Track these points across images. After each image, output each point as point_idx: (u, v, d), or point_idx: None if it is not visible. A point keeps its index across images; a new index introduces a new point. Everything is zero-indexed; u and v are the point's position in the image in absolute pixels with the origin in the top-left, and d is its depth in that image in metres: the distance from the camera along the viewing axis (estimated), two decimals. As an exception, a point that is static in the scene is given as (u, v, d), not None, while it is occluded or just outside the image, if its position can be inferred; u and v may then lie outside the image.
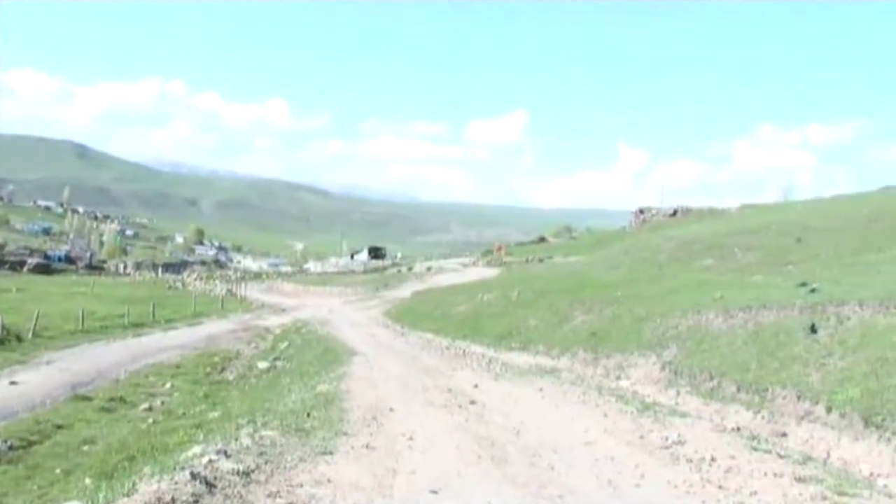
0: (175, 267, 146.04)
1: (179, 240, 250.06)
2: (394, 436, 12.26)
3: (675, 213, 79.60)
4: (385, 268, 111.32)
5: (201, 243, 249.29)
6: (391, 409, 14.70)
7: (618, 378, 19.06)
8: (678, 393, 16.44)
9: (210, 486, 8.38)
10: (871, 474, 10.75)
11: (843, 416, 12.18)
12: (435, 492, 9.19)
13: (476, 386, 18.04)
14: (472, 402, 15.67)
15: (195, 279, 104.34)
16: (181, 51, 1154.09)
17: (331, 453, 10.67)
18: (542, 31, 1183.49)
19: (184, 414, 20.85)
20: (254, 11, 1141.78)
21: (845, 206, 45.10)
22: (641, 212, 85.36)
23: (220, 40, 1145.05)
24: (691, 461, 10.82)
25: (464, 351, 26.57)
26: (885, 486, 10.29)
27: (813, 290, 19.42)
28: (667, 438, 12.21)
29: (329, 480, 9.28)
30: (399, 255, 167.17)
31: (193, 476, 8.42)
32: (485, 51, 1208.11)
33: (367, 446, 11.31)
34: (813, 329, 15.38)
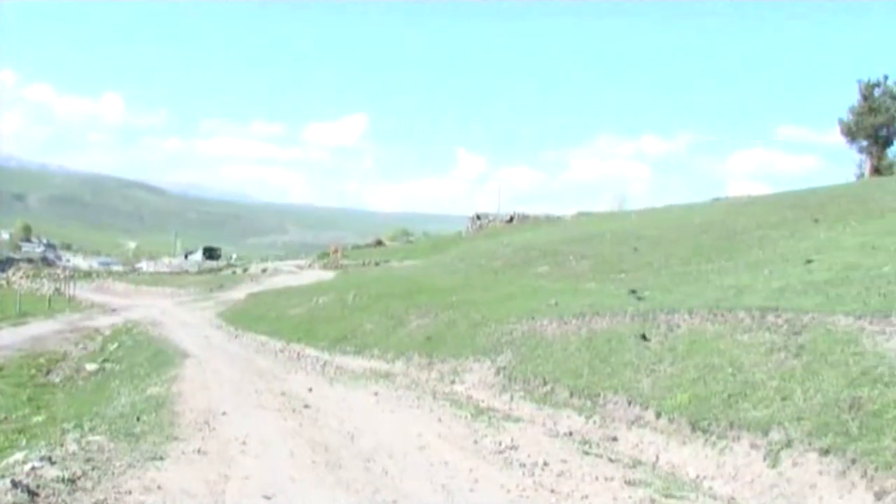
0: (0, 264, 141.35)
1: (5, 236, 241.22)
2: (226, 440, 12.04)
3: (511, 219, 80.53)
4: (220, 269, 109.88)
5: (28, 240, 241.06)
6: (224, 413, 14.45)
7: (452, 383, 19.13)
8: (512, 398, 16.58)
9: (32, 494, 8.06)
10: (697, 477, 11.02)
11: (671, 420, 12.47)
12: (268, 497, 9.05)
13: (310, 390, 17.87)
14: (307, 406, 15.53)
15: (21, 277, 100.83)
16: (12, 40, 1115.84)
17: (161, 459, 10.41)
18: (383, 35, 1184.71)
19: (5, 418, 20.08)
20: (89, 2, 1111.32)
21: (677, 217, 46.34)
22: (478, 217, 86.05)
23: (54, 31, 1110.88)
24: (524, 466, 10.92)
25: (298, 354, 26.33)
26: (710, 487, 10.58)
27: (640, 298, 19.90)
28: (500, 443, 12.30)
29: (159, 487, 9.04)
30: (234, 255, 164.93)
31: (14, 484, 8.09)
32: (325, 52, 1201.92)
33: (198, 451, 11.07)
34: (644, 336, 15.71)
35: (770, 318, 14.12)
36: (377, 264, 69.11)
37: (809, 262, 20.93)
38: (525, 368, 17.48)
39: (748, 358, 13.05)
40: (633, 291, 21.28)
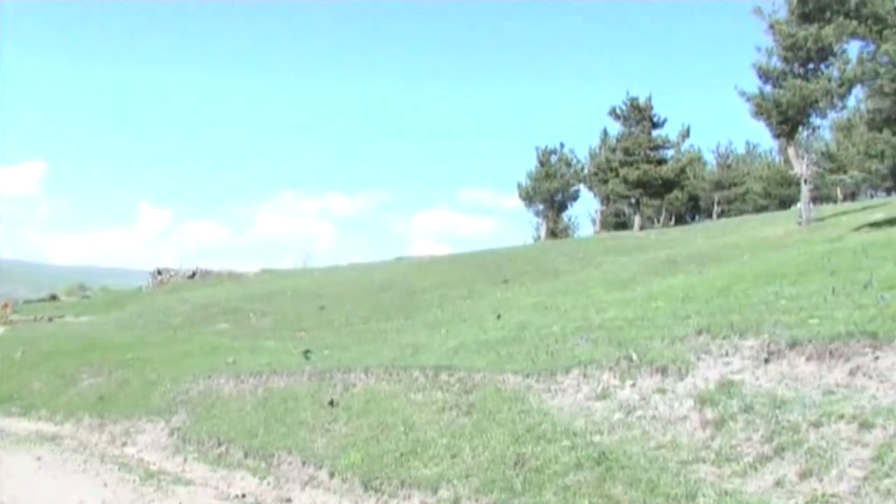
0: None
1: None
2: None
3: (193, 275, 78.95)
4: None
5: None
6: None
7: (124, 444, 18.41)
8: (185, 459, 16.11)
9: None
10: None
11: (344, 480, 12.44)
12: None
13: (-34, 457, 16.76)
14: (-43, 476, 14.53)
15: None
16: None
17: None
18: (62, 80, 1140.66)
19: None
20: None
21: (359, 275, 46.91)
22: (160, 272, 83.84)
23: None
24: (191, 530, 10.61)
25: (-44, 418, 24.64)
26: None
27: (308, 358, 19.91)
28: (168, 508, 11.92)
29: None
30: None
31: None
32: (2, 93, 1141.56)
33: None
34: (332, 402, 15.65)
35: (443, 376, 14.39)
36: (51, 320, 65.83)
37: (492, 318, 21.55)
38: (199, 429, 17.06)
39: (420, 416, 13.23)
40: (309, 351, 21.26)
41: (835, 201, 67.18)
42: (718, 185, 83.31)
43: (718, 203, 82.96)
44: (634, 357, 12.22)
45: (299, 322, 31.04)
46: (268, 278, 61.07)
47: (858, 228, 29.18)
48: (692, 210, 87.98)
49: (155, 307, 48.80)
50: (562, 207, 79.81)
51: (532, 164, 78.41)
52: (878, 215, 32.65)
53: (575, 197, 78.79)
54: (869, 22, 27.24)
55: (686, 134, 67.71)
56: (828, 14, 29.12)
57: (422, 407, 13.61)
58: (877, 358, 9.73)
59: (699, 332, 12.47)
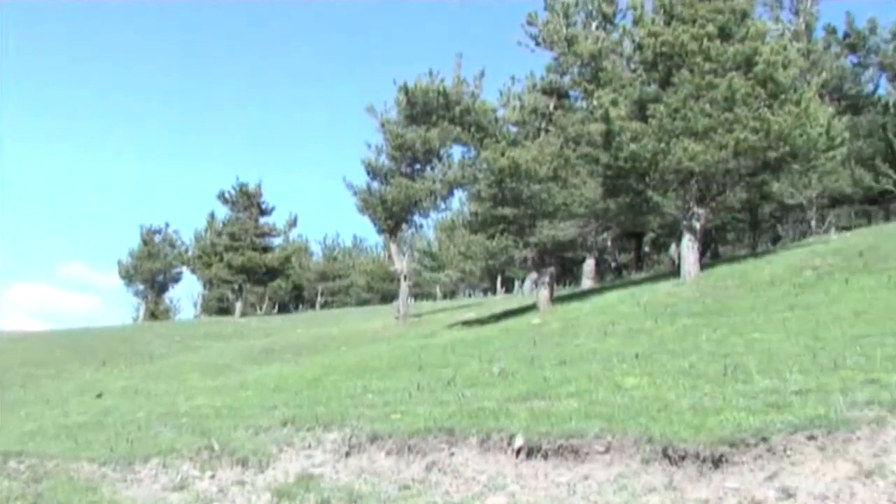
0: None
1: None
2: None
3: None
4: None
5: None
6: None
7: None
8: None
9: None
10: None
11: None
12: None
13: None
14: None
15: None
16: None
17: None
18: None
19: None
20: None
21: None
22: None
23: None
24: None
25: None
26: None
27: None
28: None
29: None
30: None
31: None
32: None
33: None
34: None
35: (12, 463, 13.41)
36: None
37: (76, 401, 20.64)
38: None
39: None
40: None
41: (434, 299, 69.96)
42: (323, 277, 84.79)
43: (322, 294, 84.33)
44: (216, 447, 11.91)
45: None
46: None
47: (451, 326, 30.34)
48: (296, 299, 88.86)
49: None
50: (163, 288, 77.99)
51: (135, 242, 76.41)
52: (470, 314, 34.18)
53: (177, 279, 77.20)
54: (472, 129, 28.67)
55: (293, 223, 68.48)
56: (434, 118, 30.34)
57: (-17, 496, 12.60)
58: (452, 454, 9.96)
59: (284, 424, 12.36)
